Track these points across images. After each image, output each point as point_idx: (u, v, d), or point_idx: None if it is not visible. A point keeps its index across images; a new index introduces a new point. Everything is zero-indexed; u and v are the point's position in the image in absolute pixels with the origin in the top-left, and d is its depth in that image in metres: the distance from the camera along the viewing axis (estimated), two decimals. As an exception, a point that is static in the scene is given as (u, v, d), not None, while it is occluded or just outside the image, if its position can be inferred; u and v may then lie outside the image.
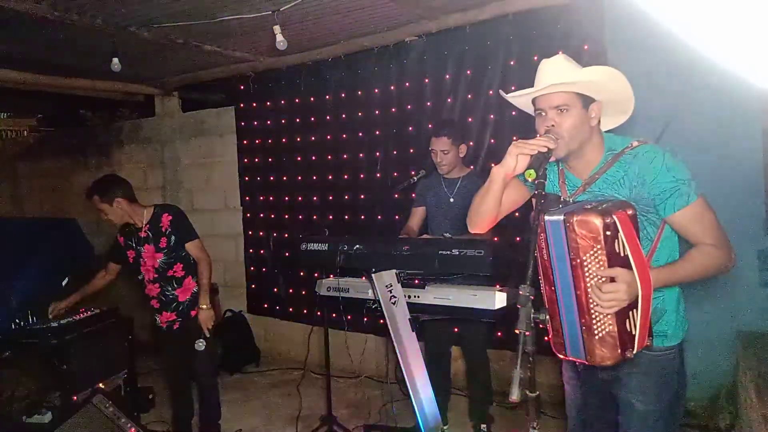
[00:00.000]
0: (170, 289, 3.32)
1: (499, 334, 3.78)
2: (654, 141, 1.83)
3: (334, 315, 3.44)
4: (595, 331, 1.56)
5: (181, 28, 3.80)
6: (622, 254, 1.53)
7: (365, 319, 4.31)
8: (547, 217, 1.58)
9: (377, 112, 4.51)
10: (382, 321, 2.88)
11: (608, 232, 1.50)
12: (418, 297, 2.81)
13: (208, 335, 3.27)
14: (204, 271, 3.30)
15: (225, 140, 5.56)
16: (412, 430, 3.26)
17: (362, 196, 4.64)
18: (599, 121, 1.77)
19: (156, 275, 3.31)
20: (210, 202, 5.74)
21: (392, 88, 4.41)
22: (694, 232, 1.69)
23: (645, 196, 1.67)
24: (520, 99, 1.84)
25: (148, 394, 4.22)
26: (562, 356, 1.69)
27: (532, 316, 1.46)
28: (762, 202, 3.26)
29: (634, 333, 1.58)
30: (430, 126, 4.14)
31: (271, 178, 5.21)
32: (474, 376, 3.52)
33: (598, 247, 1.51)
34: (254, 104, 5.25)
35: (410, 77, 4.32)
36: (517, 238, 3.76)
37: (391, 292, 2.78)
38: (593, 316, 1.56)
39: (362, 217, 4.63)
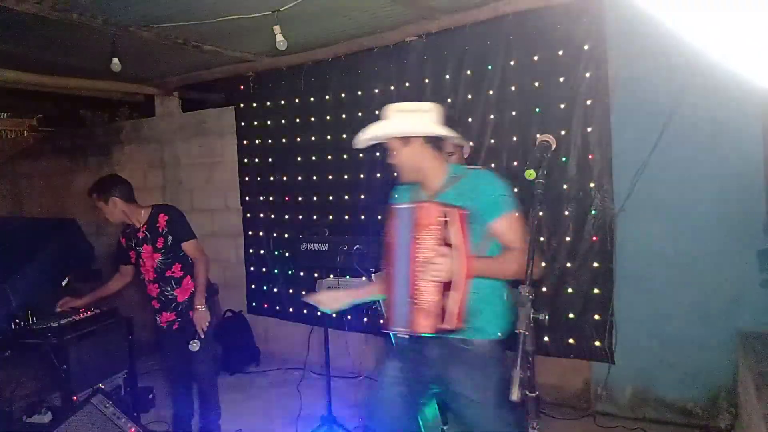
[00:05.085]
0: (169, 289, 3.32)
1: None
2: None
3: (334, 315, 3.44)
4: (419, 303, 1.87)
5: (181, 28, 3.80)
6: (451, 240, 1.87)
7: (365, 319, 4.31)
8: (398, 206, 2.02)
9: (377, 112, 4.48)
10: (382, 321, 2.88)
11: (445, 219, 1.87)
12: (418, 297, 2.80)
13: (203, 336, 3.27)
14: (201, 270, 3.29)
15: (225, 140, 5.56)
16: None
17: (362, 196, 4.64)
18: (439, 151, 2.13)
19: (155, 275, 3.31)
20: (210, 202, 5.73)
21: (392, 88, 4.40)
22: (509, 238, 2.00)
23: (473, 207, 1.98)
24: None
25: (148, 394, 4.22)
26: (388, 330, 2.01)
27: (532, 316, 1.47)
28: (762, 202, 3.26)
29: (449, 308, 1.87)
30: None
31: (271, 178, 5.21)
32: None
33: (435, 228, 1.87)
34: (254, 104, 5.25)
35: (410, 77, 4.32)
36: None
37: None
38: (419, 289, 1.87)
39: (362, 217, 4.63)
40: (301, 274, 5.00)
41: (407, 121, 2.13)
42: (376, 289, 2.38)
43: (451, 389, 2.07)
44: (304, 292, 4.98)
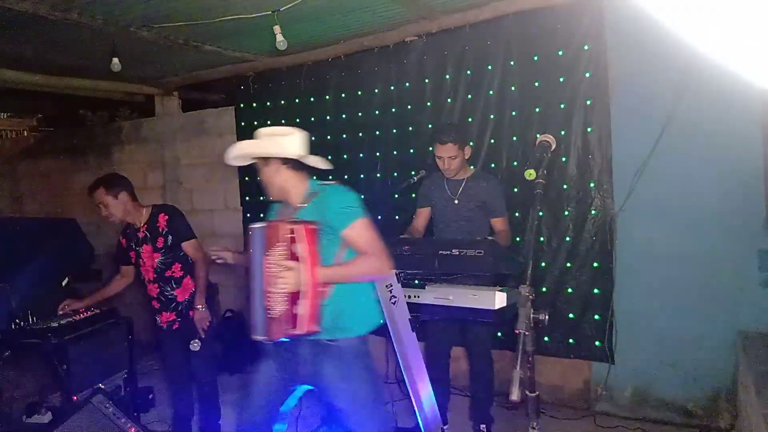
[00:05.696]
0: (169, 289, 3.32)
1: (499, 334, 3.78)
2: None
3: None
4: (272, 313, 2.05)
5: (181, 28, 3.80)
6: (299, 254, 2.05)
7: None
8: (252, 225, 2.18)
9: (377, 112, 4.50)
10: (382, 321, 2.88)
11: (291, 235, 2.04)
12: (418, 297, 2.80)
13: (203, 336, 3.27)
14: (200, 271, 3.29)
15: (225, 140, 5.55)
16: (412, 430, 3.25)
17: (362, 197, 4.62)
18: (298, 171, 2.38)
19: (155, 275, 3.31)
20: (210, 202, 5.73)
21: (392, 88, 4.40)
22: (359, 244, 2.19)
23: (326, 219, 2.18)
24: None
25: (148, 394, 4.21)
26: (253, 337, 2.16)
27: (532, 316, 1.47)
28: (762, 202, 3.26)
29: (299, 315, 2.05)
30: (429, 126, 4.14)
31: (271, 178, 5.20)
32: (478, 377, 3.51)
33: (283, 245, 2.04)
34: (254, 104, 5.24)
35: (410, 77, 4.31)
36: (517, 238, 3.76)
37: (391, 292, 2.78)
38: (270, 300, 2.04)
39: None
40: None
41: (266, 144, 2.38)
42: None
43: (324, 384, 2.26)
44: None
